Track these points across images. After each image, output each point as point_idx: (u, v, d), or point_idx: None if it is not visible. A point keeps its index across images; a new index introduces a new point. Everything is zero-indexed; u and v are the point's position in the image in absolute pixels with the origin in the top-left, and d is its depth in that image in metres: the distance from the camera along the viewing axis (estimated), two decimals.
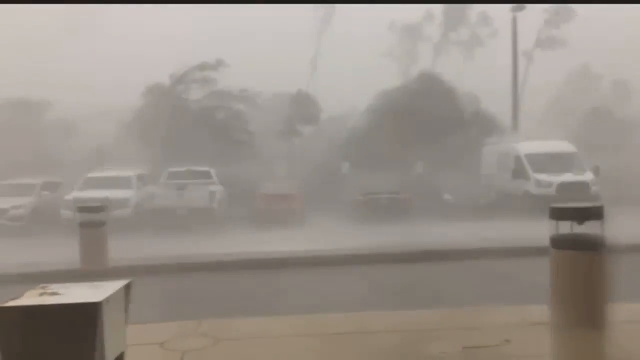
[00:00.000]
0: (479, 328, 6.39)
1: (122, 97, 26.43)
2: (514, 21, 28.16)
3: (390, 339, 6.05)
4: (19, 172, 21.55)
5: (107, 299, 3.64)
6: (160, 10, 36.49)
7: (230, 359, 5.73)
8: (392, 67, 36.38)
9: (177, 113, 25.72)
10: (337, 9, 39.32)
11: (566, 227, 6.17)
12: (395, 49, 42.34)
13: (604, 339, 5.90)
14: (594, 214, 6.14)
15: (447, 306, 7.89)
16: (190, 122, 25.50)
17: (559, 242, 6.19)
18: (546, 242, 6.36)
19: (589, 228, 6.14)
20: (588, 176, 20.76)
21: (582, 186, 20.03)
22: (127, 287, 4.10)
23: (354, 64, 34.22)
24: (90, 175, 20.85)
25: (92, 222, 12.11)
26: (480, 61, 36.48)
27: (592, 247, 6.10)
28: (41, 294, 3.74)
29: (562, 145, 22.62)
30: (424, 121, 25.05)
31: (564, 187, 19.92)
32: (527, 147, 22.46)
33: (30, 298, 3.67)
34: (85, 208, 12.53)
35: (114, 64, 33.47)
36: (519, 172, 21.55)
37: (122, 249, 12.46)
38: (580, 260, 6.09)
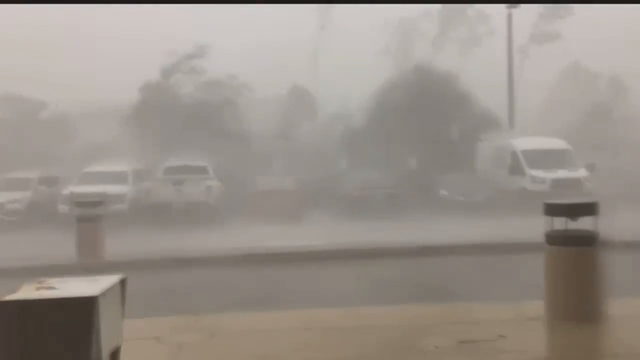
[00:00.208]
0: (474, 323, 6.43)
1: (118, 93, 26.37)
2: (510, 17, 28.26)
3: (385, 334, 6.07)
4: (16, 167, 21.53)
5: (104, 293, 3.66)
6: (159, 8, 36.38)
7: (226, 354, 5.76)
8: (389, 64, 36.29)
9: (170, 107, 25.62)
10: (336, 6, 39.26)
11: (562, 224, 6.21)
12: (392, 46, 42.31)
13: (598, 334, 5.95)
14: (588, 210, 6.19)
15: (442, 301, 7.94)
16: (184, 116, 25.41)
17: (554, 238, 6.23)
18: (541, 237, 6.41)
19: (584, 224, 6.19)
20: (582, 173, 20.87)
21: (576, 183, 20.13)
22: (123, 282, 4.12)
23: (351, 60, 34.19)
24: (86, 170, 20.84)
25: (89, 217, 12.13)
26: (476, 57, 36.46)
27: (586, 242, 6.14)
28: (38, 288, 3.75)
29: (556, 142, 22.78)
30: (420, 116, 25.07)
31: (557, 183, 20.03)
32: (523, 143, 22.56)
33: (27, 292, 3.68)
34: (82, 203, 12.56)
35: (110, 60, 33.39)
36: (515, 168, 21.65)
37: (118, 244, 12.49)
38: (574, 255, 6.14)
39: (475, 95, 26.70)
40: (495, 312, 6.88)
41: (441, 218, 18.53)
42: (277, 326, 6.51)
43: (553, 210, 6.23)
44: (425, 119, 25.04)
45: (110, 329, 3.77)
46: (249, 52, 32.82)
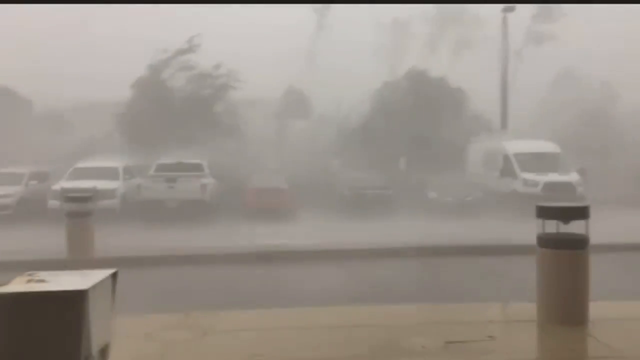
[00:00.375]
0: (462, 323, 6.44)
1: (110, 89, 26.27)
2: (504, 21, 28.33)
3: (372, 333, 6.08)
4: (7, 162, 21.43)
5: (94, 287, 3.64)
6: (154, 7, 36.22)
7: (216, 352, 5.74)
8: (383, 66, 36.31)
9: (163, 103, 25.49)
10: (332, 6, 39.23)
11: (553, 227, 6.24)
12: (386, 48, 42.34)
13: (588, 336, 5.97)
14: (580, 213, 6.22)
15: (431, 302, 7.95)
16: (177, 111, 25.30)
17: (545, 241, 6.26)
18: (533, 240, 6.43)
19: (574, 227, 6.22)
20: (573, 177, 20.96)
21: (567, 186, 20.22)
22: (114, 277, 4.10)
23: (345, 61, 34.18)
24: (77, 165, 20.78)
25: (79, 212, 12.04)
26: (469, 60, 36.54)
27: (577, 246, 6.17)
28: (28, 281, 3.73)
29: (548, 146, 22.85)
30: (413, 118, 25.14)
31: (549, 186, 20.10)
32: (515, 146, 22.63)
33: (17, 285, 3.66)
34: (72, 198, 12.46)
35: (102, 56, 33.24)
36: (507, 171, 21.72)
37: (109, 240, 12.44)
38: (565, 258, 6.17)
39: (468, 98, 26.81)
40: (485, 313, 6.90)
41: (431, 219, 18.59)
42: (268, 324, 6.51)
43: (545, 213, 6.26)
44: (418, 121, 25.12)
45: (100, 324, 3.75)
46: (245, 53, 32.76)
